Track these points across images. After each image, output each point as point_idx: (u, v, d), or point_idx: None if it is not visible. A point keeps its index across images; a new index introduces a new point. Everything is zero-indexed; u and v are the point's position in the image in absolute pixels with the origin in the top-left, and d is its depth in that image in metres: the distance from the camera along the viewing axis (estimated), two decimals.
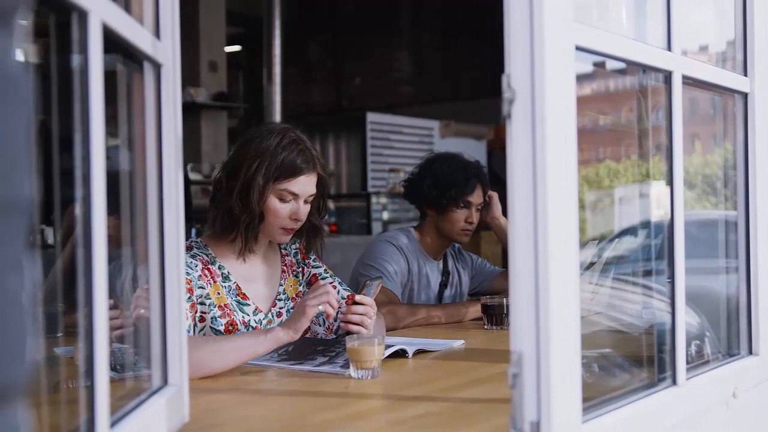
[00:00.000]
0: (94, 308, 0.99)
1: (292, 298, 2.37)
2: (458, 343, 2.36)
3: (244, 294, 2.25)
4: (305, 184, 2.22)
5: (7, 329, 0.55)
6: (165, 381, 1.36)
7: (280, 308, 2.33)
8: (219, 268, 2.24)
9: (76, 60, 1.00)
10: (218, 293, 2.20)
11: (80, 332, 1.01)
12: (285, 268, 2.40)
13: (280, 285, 2.36)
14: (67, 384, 1.34)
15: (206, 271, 2.19)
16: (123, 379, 1.39)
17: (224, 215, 2.22)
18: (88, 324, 0.99)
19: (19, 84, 0.56)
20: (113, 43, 1.10)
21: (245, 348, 1.97)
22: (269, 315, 2.29)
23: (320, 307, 1.99)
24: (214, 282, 2.20)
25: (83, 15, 0.98)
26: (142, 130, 1.33)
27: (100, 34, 1.01)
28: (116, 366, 1.34)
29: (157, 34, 1.33)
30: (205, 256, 2.22)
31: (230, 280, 2.24)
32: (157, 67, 1.33)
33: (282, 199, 2.21)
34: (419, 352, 2.19)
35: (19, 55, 0.58)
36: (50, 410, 1.12)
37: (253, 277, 2.31)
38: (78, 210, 1.00)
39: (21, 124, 0.56)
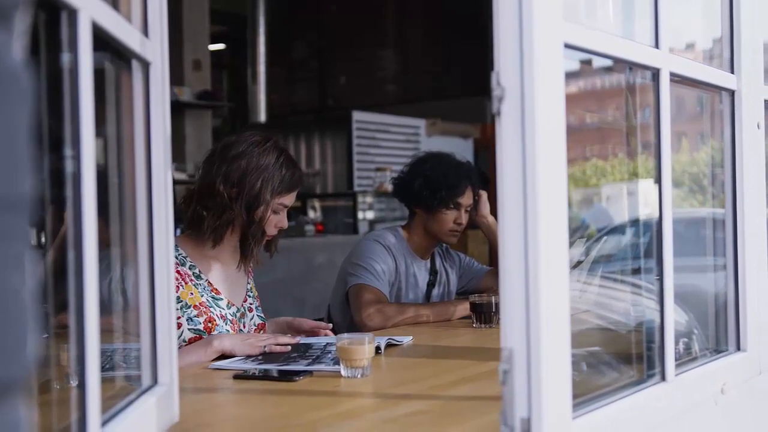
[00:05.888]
0: (85, 309, 0.98)
1: (256, 296, 2.49)
2: (407, 339, 2.37)
3: (217, 289, 2.31)
4: (294, 197, 2.35)
5: (9, 325, 0.55)
6: (155, 380, 1.35)
7: (250, 304, 2.44)
8: (190, 268, 2.28)
9: (65, 58, 0.99)
10: (191, 293, 2.24)
11: (70, 333, 1.01)
12: (249, 268, 2.48)
13: (248, 283, 2.46)
14: (54, 384, 1.34)
15: (176, 274, 2.20)
16: (111, 378, 1.38)
17: (225, 225, 2.26)
18: (79, 325, 0.98)
19: (20, 82, 0.57)
20: (101, 41, 1.09)
21: (192, 362, 2.05)
22: (242, 309, 2.38)
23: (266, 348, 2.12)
24: (186, 283, 2.22)
25: (73, 13, 0.97)
26: (131, 129, 1.32)
27: (90, 32, 1.00)
28: (104, 365, 1.34)
29: (145, 32, 1.33)
30: (173, 258, 2.24)
31: (202, 279, 2.29)
32: (145, 65, 1.32)
33: (275, 212, 2.30)
34: (389, 346, 2.23)
35: (19, 54, 0.58)
36: (39, 410, 1.11)
37: (224, 275, 2.37)
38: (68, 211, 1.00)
39: (22, 121, 0.56)
